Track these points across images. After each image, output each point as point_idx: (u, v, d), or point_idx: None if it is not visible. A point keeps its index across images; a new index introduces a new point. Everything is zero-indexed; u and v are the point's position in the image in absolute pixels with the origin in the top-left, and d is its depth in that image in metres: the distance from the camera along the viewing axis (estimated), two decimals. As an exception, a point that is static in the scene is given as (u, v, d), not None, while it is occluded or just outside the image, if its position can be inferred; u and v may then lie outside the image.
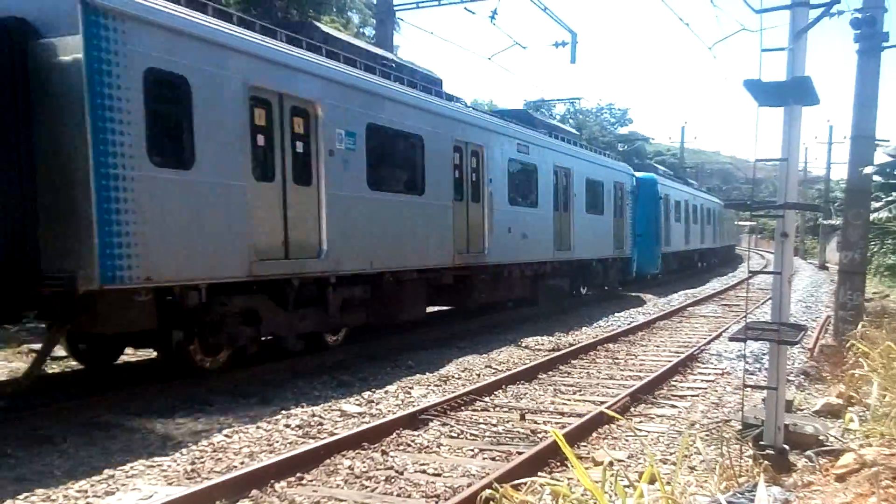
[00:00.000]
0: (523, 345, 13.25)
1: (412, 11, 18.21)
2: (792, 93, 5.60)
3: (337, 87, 10.53)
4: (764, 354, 10.18)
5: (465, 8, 16.97)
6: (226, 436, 7.08)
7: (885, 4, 11.98)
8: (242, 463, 6.33)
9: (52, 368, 10.53)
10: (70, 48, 7.15)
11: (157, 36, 7.88)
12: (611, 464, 6.08)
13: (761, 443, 5.72)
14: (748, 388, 8.36)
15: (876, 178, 12.59)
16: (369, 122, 11.22)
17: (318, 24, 13.73)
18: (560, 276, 19.47)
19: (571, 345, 12.95)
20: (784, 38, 5.81)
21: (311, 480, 5.93)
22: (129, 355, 10.99)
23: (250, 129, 9.07)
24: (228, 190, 8.72)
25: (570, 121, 70.92)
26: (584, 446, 6.98)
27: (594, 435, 7.28)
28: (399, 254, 12.07)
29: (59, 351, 11.13)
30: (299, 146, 9.86)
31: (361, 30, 35.10)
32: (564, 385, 9.86)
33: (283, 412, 8.00)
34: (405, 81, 12.70)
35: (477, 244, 14.42)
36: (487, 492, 3.50)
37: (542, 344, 13.34)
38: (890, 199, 14.68)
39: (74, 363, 10.21)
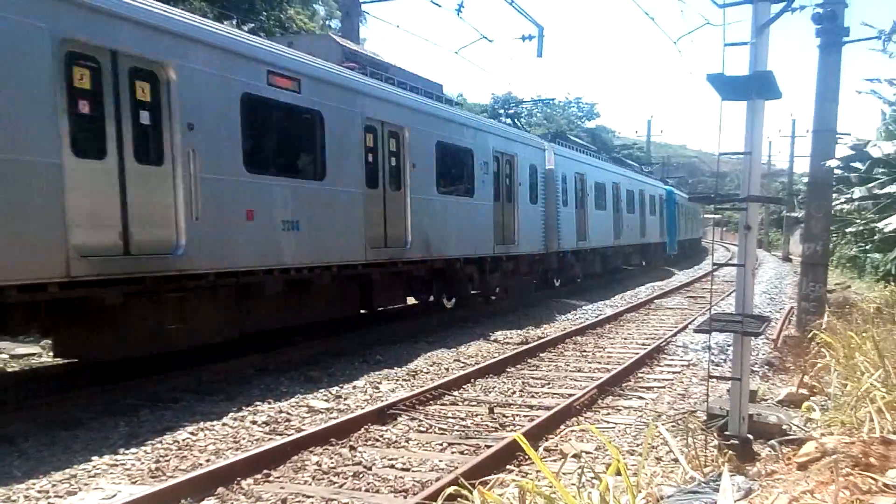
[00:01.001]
0: (492, 338, 13.29)
1: (378, 4, 18.16)
2: (754, 87, 5.66)
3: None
4: (729, 346, 10.30)
5: (432, 1, 16.89)
6: (191, 433, 7.00)
7: (845, 0, 12.16)
8: (208, 460, 6.26)
9: (12, 367, 10.33)
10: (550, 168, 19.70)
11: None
12: (578, 456, 6.13)
13: (726, 433, 5.80)
14: (713, 379, 8.47)
15: (838, 171, 12.81)
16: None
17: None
18: (637, 252, 32.16)
19: (540, 338, 13.01)
20: (747, 33, 5.88)
21: (279, 477, 5.88)
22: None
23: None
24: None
25: (538, 115, 71.16)
26: (552, 438, 7.01)
27: (562, 427, 7.31)
28: (606, 237, 25.33)
29: (23, 349, 10.98)
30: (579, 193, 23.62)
31: (327, 22, 34.88)
32: (533, 378, 9.90)
33: (250, 409, 7.92)
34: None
35: (620, 232, 27.22)
36: (452, 488, 3.49)
37: (511, 338, 13.39)
38: (851, 191, 14.95)
39: (45, 360, 10.46)
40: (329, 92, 10.70)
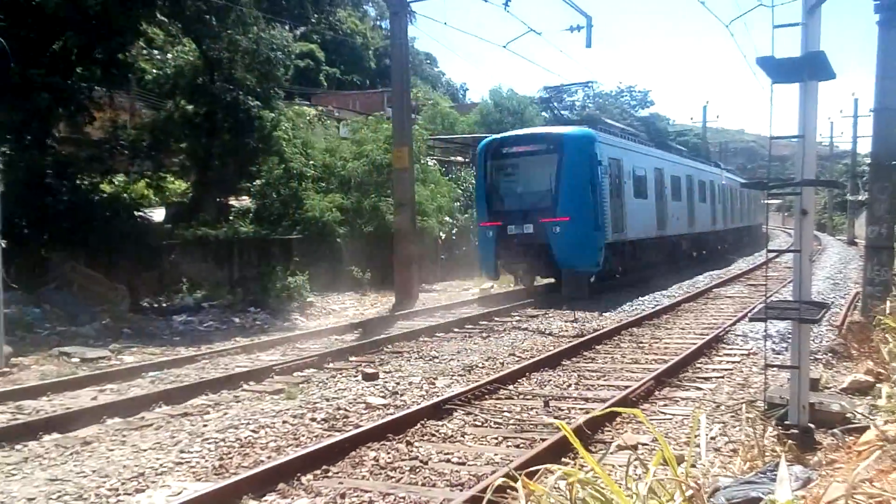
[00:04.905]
0: (547, 332, 13.24)
1: (426, 3, 18.28)
2: (806, 68, 5.53)
3: None
4: (791, 333, 10.08)
5: (479, -4, 16.87)
6: (252, 431, 7.17)
7: (904, -27, 11.73)
8: (269, 457, 6.41)
9: (84, 370, 10.72)
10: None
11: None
12: (634, 447, 6.10)
13: (786, 422, 5.70)
14: (772, 368, 8.31)
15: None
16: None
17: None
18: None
19: (596, 330, 12.92)
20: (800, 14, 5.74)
21: (337, 472, 6.00)
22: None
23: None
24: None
25: (590, 105, 70.38)
26: (608, 431, 6.99)
27: (618, 419, 7.27)
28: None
29: (93, 353, 11.34)
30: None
31: (377, 23, 35.05)
32: (588, 371, 9.85)
33: (309, 406, 8.08)
34: None
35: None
36: (500, 480, 3.51)
37: (567, 330, 13.32)
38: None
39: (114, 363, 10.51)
40: None
